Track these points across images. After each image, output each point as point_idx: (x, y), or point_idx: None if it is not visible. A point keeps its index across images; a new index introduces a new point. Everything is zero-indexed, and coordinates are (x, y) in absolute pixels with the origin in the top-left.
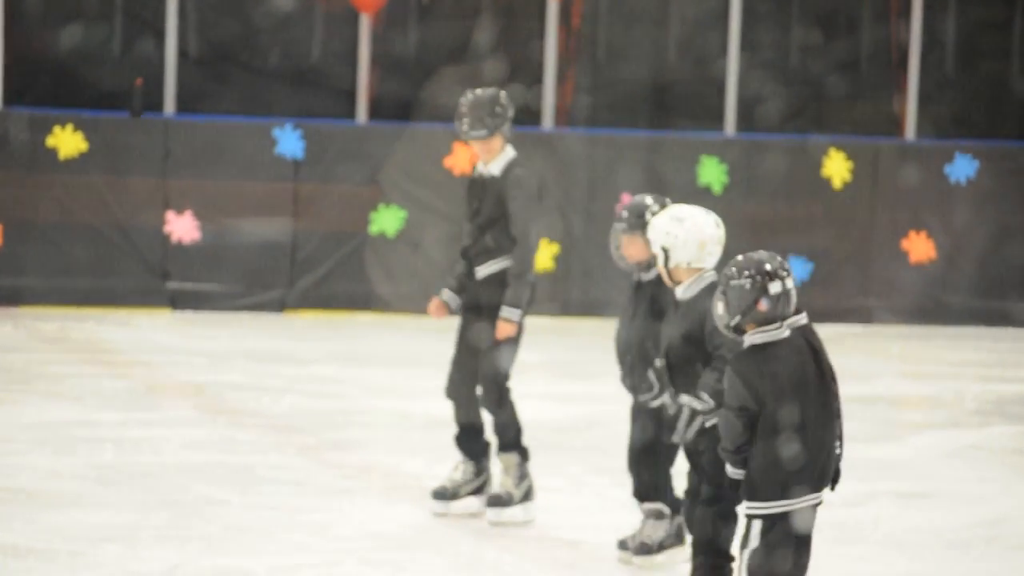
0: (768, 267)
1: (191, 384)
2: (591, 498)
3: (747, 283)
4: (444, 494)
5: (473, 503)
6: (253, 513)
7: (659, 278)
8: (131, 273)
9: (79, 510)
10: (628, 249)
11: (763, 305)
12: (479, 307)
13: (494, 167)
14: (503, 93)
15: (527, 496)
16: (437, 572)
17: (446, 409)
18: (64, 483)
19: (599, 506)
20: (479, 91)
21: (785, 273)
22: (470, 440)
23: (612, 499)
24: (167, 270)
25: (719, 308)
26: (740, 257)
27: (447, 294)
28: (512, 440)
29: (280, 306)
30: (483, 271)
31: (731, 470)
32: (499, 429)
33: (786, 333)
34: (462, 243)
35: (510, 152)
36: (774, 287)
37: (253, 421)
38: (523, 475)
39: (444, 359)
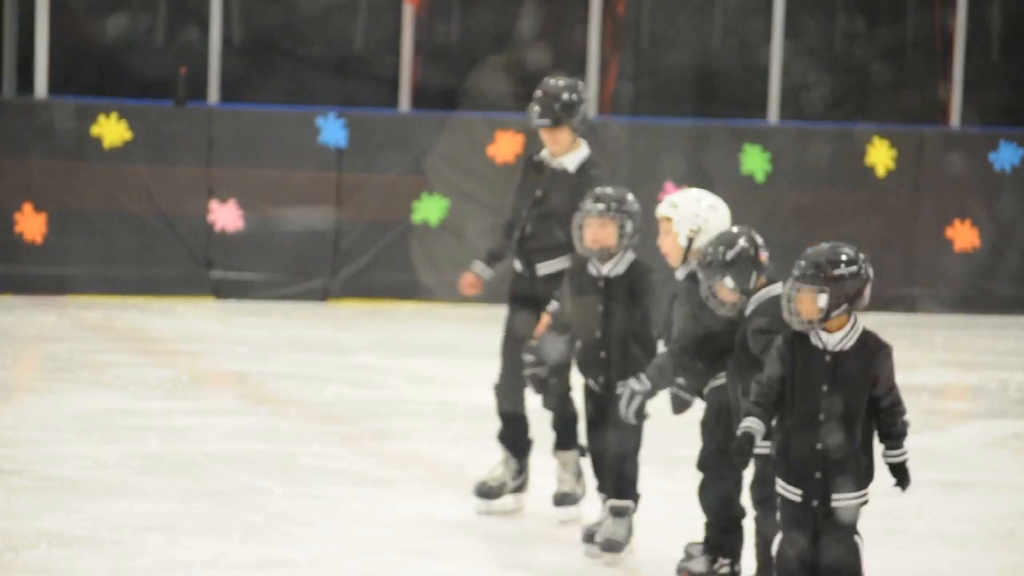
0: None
1: (234, 373)
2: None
3: (855, 269)
4: (488, 492)
5: (511, 501)
6: (295, 502)
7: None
8: (175, 262)
9: (123, 499)
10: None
11: (867, 291)
12: (536, 300)
13: (568, 161)
14: (579, 84)
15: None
16: (479, 562)
17: (489, 399)
18: (108, 472)
19: (645, 497)
20: (554, 79)
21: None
22: (515, 434)
23: (658, 490)
24: (210, 259)
25: (821, 300)
26: (823, 246)
27: (479, 266)
28: (572, 437)
29: (323, 295)
30: (546, 268)
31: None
32: (559, 425)
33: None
34: (516, 229)
35: (584, 149)
36: (872, 272)
37: (296, 410)
38: (581, 471)
39: (487, 348)
